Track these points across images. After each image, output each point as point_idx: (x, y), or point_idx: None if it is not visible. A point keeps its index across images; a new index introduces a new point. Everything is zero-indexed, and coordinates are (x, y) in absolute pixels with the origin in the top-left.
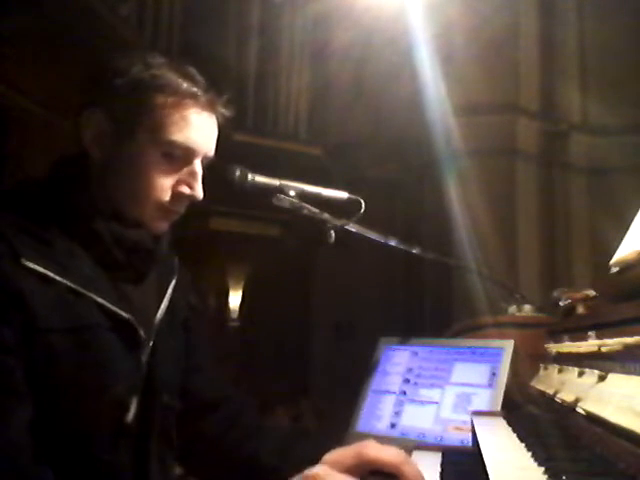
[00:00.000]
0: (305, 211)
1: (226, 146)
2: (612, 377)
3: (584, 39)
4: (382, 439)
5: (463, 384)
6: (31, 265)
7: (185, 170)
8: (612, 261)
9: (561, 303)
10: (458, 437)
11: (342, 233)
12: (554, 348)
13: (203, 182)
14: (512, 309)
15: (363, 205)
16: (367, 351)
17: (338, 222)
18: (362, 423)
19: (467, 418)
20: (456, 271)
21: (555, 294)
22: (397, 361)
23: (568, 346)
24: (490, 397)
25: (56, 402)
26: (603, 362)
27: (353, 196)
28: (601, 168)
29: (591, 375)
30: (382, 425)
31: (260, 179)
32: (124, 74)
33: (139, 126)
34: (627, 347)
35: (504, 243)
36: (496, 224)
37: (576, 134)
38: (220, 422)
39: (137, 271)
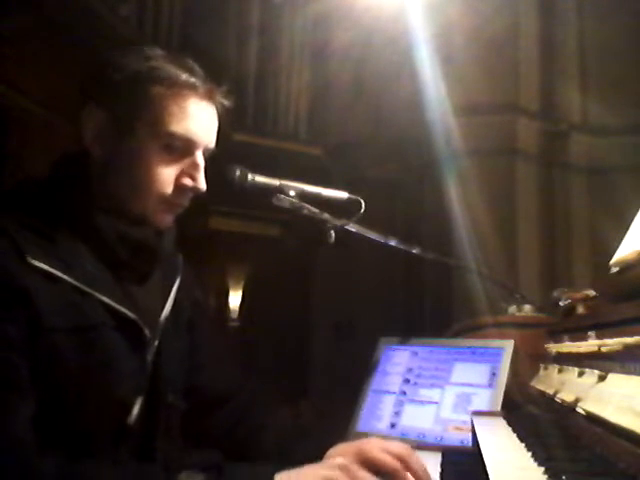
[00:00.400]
0: (305, 211)
1: (226, 146)
2: (612, 377)
3: (584, 39)
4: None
5: (463, 384)
6: (36, 263)
7: (187, 162)
8: (612, 261)
9: (561, 303)
10: (458, 437)
11: (342, 233)
12: (554, 348)
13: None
14: (512, 309)
15: (363, 205)
16: (367, 351)
17: (338, 222)
18: (362, 423)
19: (467, 418)
20: (456, 271)
21: (555, 294)
22: (397, 361)
23: (568, 346)
24: (490, 397)
25: (59, 401)
26: (603, 362)
27: (353, 196)
28: (601, 168)
29: (591, 375)
30: (382, 425)
31: (260, 179)
32: (122, 69)
33: (139, 120)
34: (627, 347)
35: (504, 243)
36: (496, 224)
37: (576, 134)
38: (225, 420)
39: (141, 270)
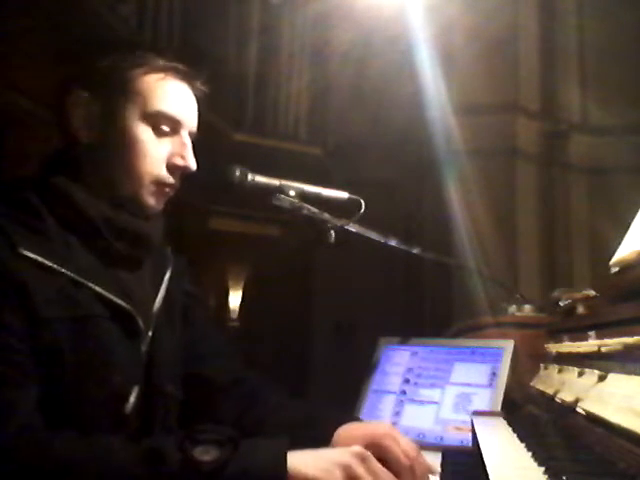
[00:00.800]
0: (305, 211)
1: (226, 146)
2: (612, 377)
3: (584, 39)
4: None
5: (463, 384)
6: (28, 254)
7: (175, 142)
8: (612, 261)
9: (561, 303)
10: (458, 437)
11: (342, 233)
12: (554, 348)
13: (203, 182)
14: (512, 309)
15: (363, 205)
16: (367, 351)
17: (338, 222)
18: None
19: (467, 418)
20: (456, 271)
21: (555, 294)
22: (397, 361)
23: (568, 346)
24: (490, 397)
25: (56, 390)
26: (603, 362)
27: (353, 196)
28: (601, 168)
29: (591, 375)
30: None
31: (260, 179)
32: (106, 54)
33: (126, 102)
34: (627, 347)
35: (504, 243)
36: (496, 224)
37: (576, 134)
38: (234, 407)
39: (132, 257)
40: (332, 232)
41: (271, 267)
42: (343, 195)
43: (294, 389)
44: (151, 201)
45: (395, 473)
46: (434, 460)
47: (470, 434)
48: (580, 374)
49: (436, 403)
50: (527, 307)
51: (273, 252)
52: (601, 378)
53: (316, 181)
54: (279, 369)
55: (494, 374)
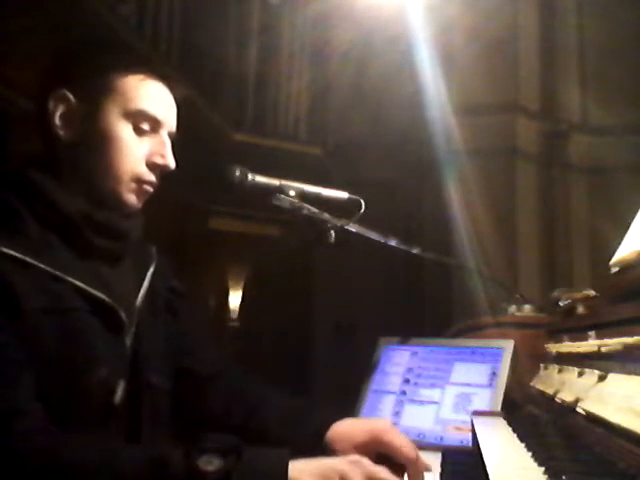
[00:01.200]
0: (305, 211)
1: (226, 146)
2: (612, 377)
3: (584, 39)
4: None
5: (463, 384)
6: (8, 251)
7: (154, 141)
8: (612, 261)
9: (561, 303)
10: (458, 437)
11: (342, 233)
12: (554, 348)
13: (203, 182)
14: (512, 309)
15: (363, 205)
16: (367, 351)
17: (338, 222)
18: None
19: (467, 418)
20: (456, 271)
21: (555, 294)
22: (397, 361)
23: (568, 346)
24: (490, 397)
25: (42, 383)
26: (603, 362)
27: (353, 196)
28: (601, 168)
29: (591, 375)
30: None
31: (260, 179)
32: (88, 53)
33: (106, 101)
34: (627, 347)
35: (504, 243)
36: (496, 224)
37: (576, 134)
38: (222, 397)
39: (111, 252)
40: (332, 232)
41: (271, 267)
42: (343, 195)
43: (294, 389)
44: (131, 199)
45: (398, 467)
46: (434, 460)
47: (470, 434)
48: (580, 374)
49: (436, 403)
50: (527, 307)
51: (273, 252)
52: (601, 378)
53: (316, 181)
54: (279, 369)
55: (494, 374)
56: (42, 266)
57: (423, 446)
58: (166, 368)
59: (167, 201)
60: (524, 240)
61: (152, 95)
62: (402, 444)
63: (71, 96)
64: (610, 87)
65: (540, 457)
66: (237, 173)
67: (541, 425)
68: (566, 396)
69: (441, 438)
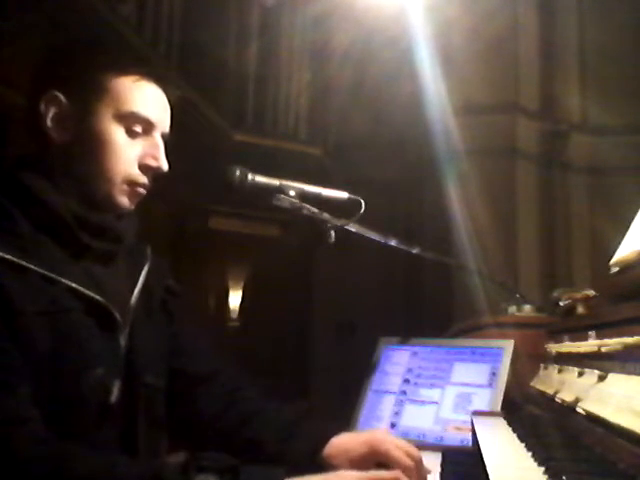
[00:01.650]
0: (305, 211)
1: (226, 146)
2: (612, 377)
3: (584, 39)
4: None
5: (463, 384)
6: (0, 254)
7: (147, 143)
8: (612, 261)
9: (561, 303)
10: (458, 437)
11: (342, 233)
12: (554, 348)
13: (203, 182)
14: (512, 309)
15: (363, 205)
16: (367, 351)
17: (338, 222)
18: (362, 423)
19: (467, 418)
20: (456, 271)
21: (555, 294)
22: (397, 361)
23: (568, 346)
24: (490, 397)
25: (38, 384)
26: (603, 362)
27: (353, 196)
28: (601, 168)
29: (591, 375)
30: (382, 425)
31: (260, 179)
32: (81, 55)
33: (99, 103)
34: (627, 347)
35: (504, 243)
36: (496, 224)
37: (576, 134)
38: (216, 400)
39: (103, 252)
40: (332, 232)
41: (271, 267)
42: (343, 195)
43: (294, 389)
44: (123, 201)
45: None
46: (434, 460)
47: (470, 434)
48: (580, 374)
49: (436, 403)
50: (527, 307)
51: (273, 252)
52: (601, 378)
53: (316, 181)
54: (279, 369)
55: (494, 374)
56: (35, 268)
57: (423, 446)
58: (161, 368)
59: (167, 201)
60: (524, 240)
61: (145, 97)
62: (399, 455)
63: (63, 98)
64: (610, 87)
65: (540, 457)
66: (237, 173)
67: (541, 425)
68: (566, 396)
69: (441, 438)
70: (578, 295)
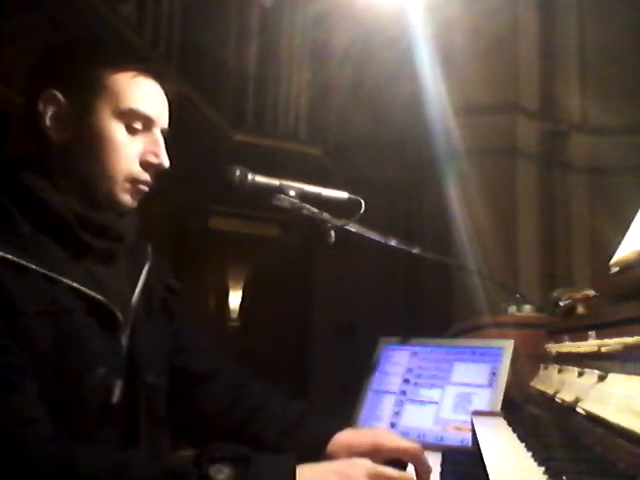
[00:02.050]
0: (305, 211)
1: (226, 146)
2: (612, 377)
3: (584, 39)
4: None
5: (463, 384)
6: (1, 254)
7: (148, 140)
8: (612, 261)
9: (561, 303)
10: (458, 437)
11: (342, 233)
12: (554, 348)
13: (203, 182)
14: (512, 309)
15: (363, 205)
16: (367, 351)
17: (338, 222)
18: (362, 423)
19: (467, 418)
20: (456, 271)
21: (555, 294)
22: (397, 361)
23: (568, 346)
24: (490, 397)
25: (40, 384)
26: (603, 362)
27: (353, 196)
28: (601, 168)
29: (591, 375)
30: (382, 425)
31: (260, 179)
32: (78, 53)
33: (98, 100)
34: (627, 347)
35: (504, 243)
36: (496, 224)
37: (576, 134)
38: (219, 398)
39: (105, 252)
40: (332, 232)
41: (271, 267)
42: (343, 195)
43: (294, 389)
44: (126, 198)
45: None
46: (434, 460)
47: (470, 434)
48: (580, 374)
49: (436, 403)
50: (527, 307)
51: (273, 252)
52: (601, 378)
53: (316, 181)
54: (279, 369)
55: (494, 374)
56: (36, 268)
57: (423, 446)
58: (162, 367)
59: (167, 201)
60: (524, 240)
61: (144, 93)
62: (407, 445)
63: (61, 96)
64: (610, 87)
65: (540, 457)
66: (237, 173)
67: (541, 425)
68: (566, 396)
69: (441, 438)
70: (578, 295)
